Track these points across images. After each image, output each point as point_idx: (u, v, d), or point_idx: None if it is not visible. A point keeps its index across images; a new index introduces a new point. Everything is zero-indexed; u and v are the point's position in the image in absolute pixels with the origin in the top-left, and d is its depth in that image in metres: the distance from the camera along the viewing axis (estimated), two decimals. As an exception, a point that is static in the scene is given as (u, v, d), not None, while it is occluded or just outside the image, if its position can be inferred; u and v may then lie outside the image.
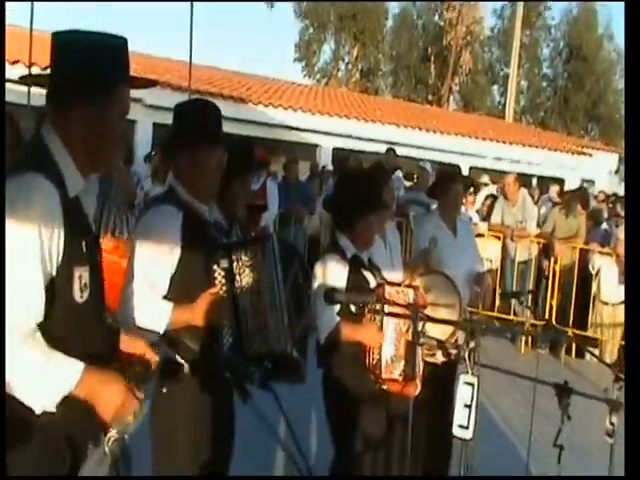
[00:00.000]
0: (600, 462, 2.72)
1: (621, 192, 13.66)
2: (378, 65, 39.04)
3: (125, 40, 1.86)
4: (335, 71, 38.52)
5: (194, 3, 5.10)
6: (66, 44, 1.81)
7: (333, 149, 14.71)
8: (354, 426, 3.17)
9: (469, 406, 2.36)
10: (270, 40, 64.68)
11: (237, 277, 2.45)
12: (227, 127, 2.78)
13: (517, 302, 7.07)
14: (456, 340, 3.49)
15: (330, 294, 2.67)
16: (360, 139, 14.62)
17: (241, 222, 3.45)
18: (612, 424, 2.69)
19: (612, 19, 37.01)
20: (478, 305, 7.30)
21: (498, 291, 7.48)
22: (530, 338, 7.10)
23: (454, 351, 3.49)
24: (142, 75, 1.95)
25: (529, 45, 36.66)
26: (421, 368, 3.30)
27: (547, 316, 7.39)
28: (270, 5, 36.78)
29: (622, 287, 7.14)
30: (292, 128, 14.03)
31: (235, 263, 2.45)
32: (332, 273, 3.16)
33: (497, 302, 7.43)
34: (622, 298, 7.17)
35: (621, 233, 7.52)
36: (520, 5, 28.61)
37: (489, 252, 7.71)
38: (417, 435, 3.15)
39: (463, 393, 2.36)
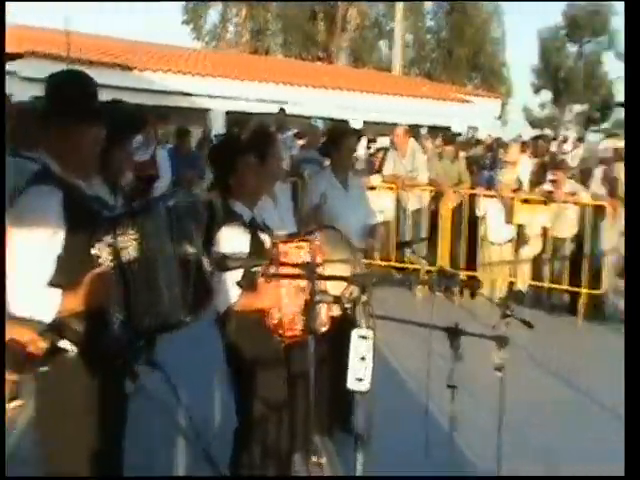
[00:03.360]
0: (493, 396, 2.92)
1: (503, 136, 14.25)
2: (267, 25, 38.43)
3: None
4: (224, 33, 37.63)
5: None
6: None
7: (226, 113, 14.49)
8: (261, 389, 3.21)
9: (364, 359, 2.43)
10: (153, 4, 61.88)
11: (123, 252, 2.38)
12: (113, 95, 2.68)
13: (410, 251, 7.34)
14: (351, 293, 3.59)
15: (222, 261, 2.67)
16: (253, 100, 14.47)
17: (124, 192, 3.35)
18: (500, 358, 2.88)
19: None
20: (374, 256, 7.55)
21: (394, 241, 7.72)
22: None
23: (350, 305, 3.59)
24: (18, 46, 1.86)
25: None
26: (325, 319, 3.37)
27: (440, 261, 7.72)
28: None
29: (507, 227, 7.56)
30: (182, 93, 13.70)
31: (120, 237, 2.36)
32: (233, 240, 3.14)
33: (393, 252, 7.67)
34: (508, 237, 7.59)
35: (503, 175, 7.91)
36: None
37: (383, 203, 7.92)
38: (320, 390, 3.25)
39: (358, 346, 2.43)
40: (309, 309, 3.19)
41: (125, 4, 55.65)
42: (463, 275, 7.62)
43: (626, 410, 2.56)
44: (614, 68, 38.12)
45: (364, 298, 2.70)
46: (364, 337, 2.43)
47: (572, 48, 37.48)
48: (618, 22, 36.64)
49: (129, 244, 2.38)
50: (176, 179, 7.41)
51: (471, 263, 7.74)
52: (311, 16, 37.19)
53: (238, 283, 3.02)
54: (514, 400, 3.45)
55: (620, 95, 36.44)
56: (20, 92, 10.47)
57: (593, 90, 36.29)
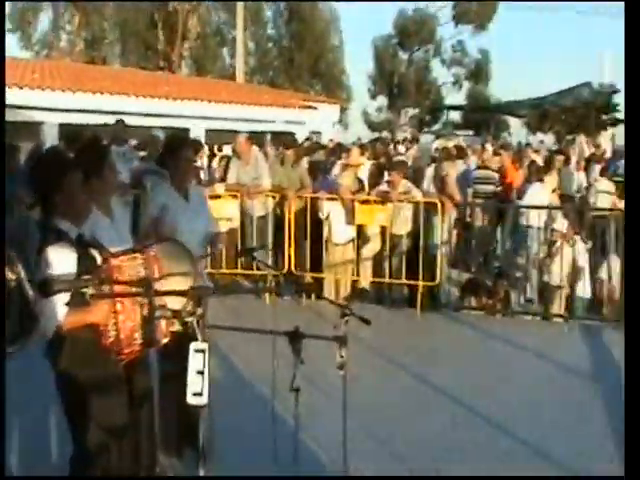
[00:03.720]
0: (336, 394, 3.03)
1: (345, 140, 14.77)
2: (104, 33, 37.03)
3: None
4: (56, 42, 35.74)
5: None
6: None
7: (60, 125, 13.80)
8: (99, 413, 3.09)
9: (202, 372, 2.43)
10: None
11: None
12: None
13: (254, 258, 7.43)
14: (192, 307, 3.56)
15: (45, 285, 2.55)
16: (88, 112, 13.90)
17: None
18: (342, 357, 3.00)
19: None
20: (221, 264, 7.55)
21: (240, 248, 7.75)
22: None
23: (190, 319, 3.56)
24: None
25: (253, 8, 37.54)
26: (164, 331, 3.32)
27: (287, 264, 7.88)
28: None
29: (349, 227, 7.86)
30: (9, 106, 12.87)
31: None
32: (60, 261, 2.98)
33: (239, 259, 7.70)
34: (349, 237, 7.90)
35: (344, 178, 8.22)
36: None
37: (228, 212, 7.93)
38: (166, 408, 3.19)
39: (195, 361, 2.43)
40: (147, 324, 3.14)
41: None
42: (309, 277, 7.82)
43: (626, 410, 2.65)
44: (441, 74, 40.88)
45: (200, 311, 2.70)
46: (200, 350, 2.44)
47: (403, 56, 39.67)
48: (443, 31, 39.43)
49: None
50: (8, 198, 6.95)
51: (318, 265, 7.96)
52: (150, 24, 36.35)
53: (67, 304, 2.91)
54: (359, 394, 3.62)
55: (448, 99, 39.17)
56: None
57: (424, 95, 38.65)
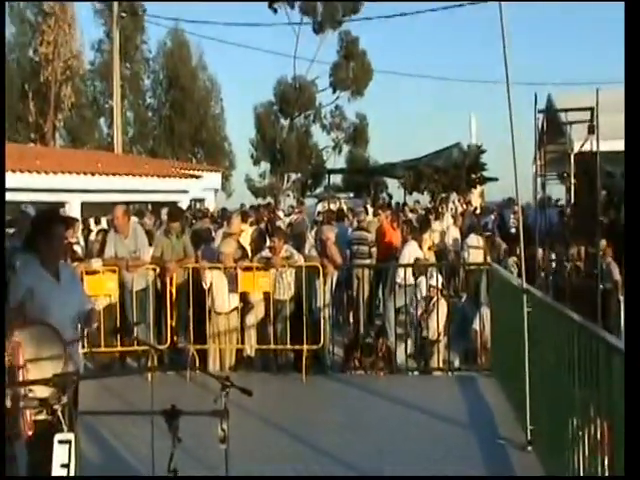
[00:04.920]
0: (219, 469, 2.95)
1: (228, 206, 14.84)
2: (-32, 103, 35.55)
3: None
4: None
5: None
6: None
7: None
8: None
9: (67, 465, 2.31)
10: None
11: None
12: None
13: (138, 332, 7.24)
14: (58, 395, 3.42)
15: None
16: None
17: None
18: (223, 430, 2.94)
19: (204, 52, 40.09)
20: (100, 342, 7.26)
21: (120, 324, 7.52)
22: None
23: (58, 406, 3.40)
24: None
25: (131, 77, 37.45)
26: (29, 423, 3.16)
27: (169, 338, 7.70)
28: None
29: (232, 295, 7.85)
30: None
31: None
32: None
33: (120, 336, 7.45)
34: (233, 306, 7.88)
35: (225, 246, 8.23)
36: (116, 39, 29.06)
37: (107, 287, 7.71)
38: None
39: (59, 453, 2.31)
40: (13, 415, 2.99)
41: None
42: (193, 350, 7.67)
43: (626, 410, 2.61)
44: (321, 139, 42.19)
45: (64, 399, 2.60)
46: (65, 442, 2.33)
47: (284, 122, 40.71)
48: (322, 98, 40.97)
49: None
50: None
51: (202, 336, 7.82)
52: (21, 95, 35.34)
53: None
54: (242, 466, 3.56)
55: (329, 163, 40.46)
56: None
57: (306, 159, 39.69)
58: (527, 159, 12.80)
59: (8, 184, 13.74)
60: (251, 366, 7.82)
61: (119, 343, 7.53)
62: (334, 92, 40.25)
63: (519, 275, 5.85)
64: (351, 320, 9.54)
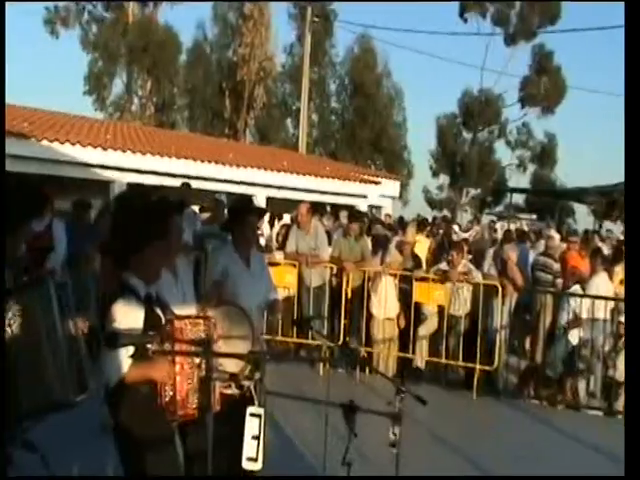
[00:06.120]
0: (388, 472, 2.91)
1: (405, 215, 14.76)
2: (173, 99, 38.74)
3: None
4: (128, 105, 37.53)
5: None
6: None
7: (127, 185, 14.29)
8: (150, 470, 3.08)
9: (257, 437, 2.37)
10: (55, 71, 61.09)
11: (8, 328, 2.28)
12: (8, 165, 2.60)
13: (311, 328, 7.39)
14: (249, 371, 3.54)
15: (113, 338, 2.59)
16: (155, 174, 14.37)
17: (17, 266, 3.22)
18: (395, 434, 2.89)
19: (389, 59, 40.26)
20: (277, 331, 7.50)
21: (296, 317, 7.73)
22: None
23: (247, 383, 3.54)
24: None
25: (318, 81, 38.70)
26: (217, 398, 3.29)
27: (342, 336, 7.78)
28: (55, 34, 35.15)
29: (395, 302, 7.78)
30: (83, 164, 13.43)
31: (7, 313, 2.28)
32: (127, 316, 3.04)
33: (295, 328, 7.66)
34: (394, 314, 7.80)
35: (399, 254, 8.16)
36: (308, 43, 30.17)
37: (285, 280, 7.96)
38: (218, 470, 3.14)
39: (250, 425, 2.37)
40: (204, 387, 3.12)
41: (28, 70, 54.82)
42: (364, 351, 7.69)
43: (626, 410, 2.57)
44: (505, 156, 40.66)
45: (257, 375, 2.66)
46: (256, 415, 2.38)
47: (467, 135, 39.77)
48: (508, 113, 39.47)
49: (13, 321, 2.29)
50: (73, 252, 7.17)
51: (369, 339, 7.84)
52: (218, 92, 37.87)
53: (130, 356, 2.93)
54: (410, 473, 3.46)
55: (511, 181, 38.94)
56: None
57: (486, 175, 38.39)
58: None
59: (204, 174, 14.82)
60: (419, 377, 7.66)
61: (295, 334, 7.75)
62: (522, 108, 38.66)
63: None
64: (528, 347, 9.00)
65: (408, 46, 63.35)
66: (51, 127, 14.89)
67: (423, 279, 7.74)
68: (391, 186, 21.41)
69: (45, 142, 12.97)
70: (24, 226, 3.00)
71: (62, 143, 13.26)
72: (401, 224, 11.99)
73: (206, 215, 9.63)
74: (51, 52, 63.00)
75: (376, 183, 19.72)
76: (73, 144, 13.47)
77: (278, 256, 8.27)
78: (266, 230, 11.79)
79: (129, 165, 14.29)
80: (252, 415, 2.41)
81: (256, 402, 2.36)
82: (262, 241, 10.54)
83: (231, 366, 3.40)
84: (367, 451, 3.68)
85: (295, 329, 7.68)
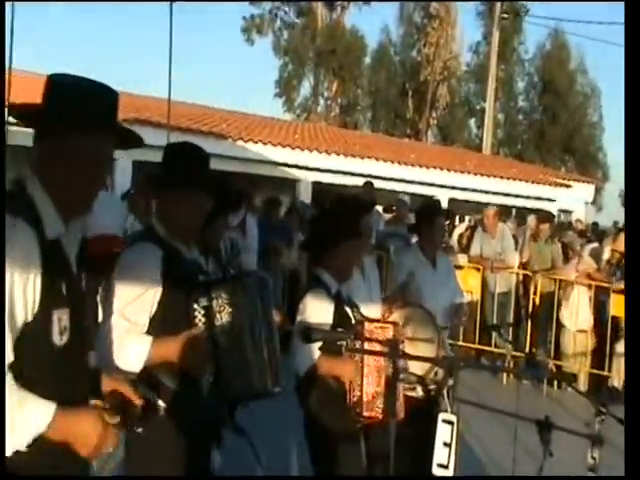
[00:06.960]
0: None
1: (600, 221, 13.80)
2: (357, 100, 39.56)
3: (113, 91, 1.90)
4: (315, 106, 38.94)
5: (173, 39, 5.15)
6: (58, 86, 1.84)
7: (312, 183, 14.80)
8: (337, 465, 3.14)
9: (449, 445, 2.32)
10: (250, 76, 65.21)
11: (217, 315, 2.43)
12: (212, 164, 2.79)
13: (497, 335, 7.13)
14: (435, 374, 3.48)
15: (307, 332, 2.66)
16: (340, 173, 14.74)
17: (217, 258, 3.45)
18: (594, 458, 2.68)
19: (584, 55, 37.83)
20: (459, 337, 7.32)
21: (479, 323, 7.51)
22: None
23: (434, 386, 3.49)
24: (121, 112, 1.96)
25: (504, 79, 37.35)
26: (402, 403, 3.27)
27: (527, 347, 7.41)
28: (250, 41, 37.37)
29: (588, 314, 7.24)
30: (272, 163, 14.12)
31: (215, 301, 2.43)
32: (318, 310, 3.13)
33: (477, 334, 7.45)
34: (586, 326, 7.26)
35: (595, 261, 7.62)
36: (495, 40, 29.25)
37: (469, 283, 7.76)
38: (398, 473, 3.13)
39: (442, 431, 2.32)
40: (389, 391, 3.11)
41: (219, 73, 58.79)
42: (552, 364, 7.26)
43: (626, 410, 2.46)
44: None
45: (451, 382, 2.60)
46: (449, 422, 2.33)
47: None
48: None
49: (222, 309, 2.43)
50: (264, 248, 7.56)
51: (557, 352, 7.40)
52: (401, 92, 38.00)
53: (320, 348, 3.00)
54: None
55: None
56: (121, 156, 11.11)
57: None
58: None
59: (386, 174, 14.92)
60: (617, 398, 7.08)
61: (477, 340, 7.54)
62: None
63: None
64: None
65: (605, 39, 58.90)
66: (246, 128, 15.84)
67: (622, 292, 7.15)
68: (584, 190, 20.05)
69: (240, 142, 13.82)
70: (223, 219, 3.21)
71: (255, 143, 14.05)
72: (595, 231, 11.19)
73: (389, 215, 9.68)
74: (247, 58, 67.37)
75: (567, 186, 18.62)
76: (265, 144, 14.21)
77: (462, 259, 8.08)
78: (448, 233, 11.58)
79: (314, 164, 14.78)
80: (444, 421, 2.36)
81: (448, 408, 2.29)
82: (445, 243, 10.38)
83: (417, 368, 3.36)
84: (561, 472, 3.44)
85: (477, 335, 7.47)
